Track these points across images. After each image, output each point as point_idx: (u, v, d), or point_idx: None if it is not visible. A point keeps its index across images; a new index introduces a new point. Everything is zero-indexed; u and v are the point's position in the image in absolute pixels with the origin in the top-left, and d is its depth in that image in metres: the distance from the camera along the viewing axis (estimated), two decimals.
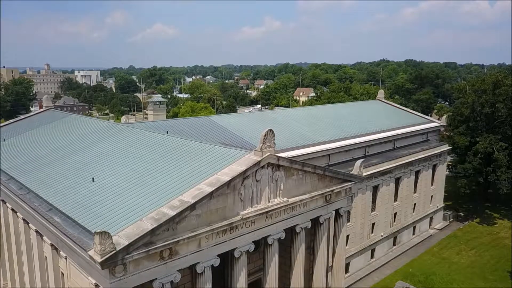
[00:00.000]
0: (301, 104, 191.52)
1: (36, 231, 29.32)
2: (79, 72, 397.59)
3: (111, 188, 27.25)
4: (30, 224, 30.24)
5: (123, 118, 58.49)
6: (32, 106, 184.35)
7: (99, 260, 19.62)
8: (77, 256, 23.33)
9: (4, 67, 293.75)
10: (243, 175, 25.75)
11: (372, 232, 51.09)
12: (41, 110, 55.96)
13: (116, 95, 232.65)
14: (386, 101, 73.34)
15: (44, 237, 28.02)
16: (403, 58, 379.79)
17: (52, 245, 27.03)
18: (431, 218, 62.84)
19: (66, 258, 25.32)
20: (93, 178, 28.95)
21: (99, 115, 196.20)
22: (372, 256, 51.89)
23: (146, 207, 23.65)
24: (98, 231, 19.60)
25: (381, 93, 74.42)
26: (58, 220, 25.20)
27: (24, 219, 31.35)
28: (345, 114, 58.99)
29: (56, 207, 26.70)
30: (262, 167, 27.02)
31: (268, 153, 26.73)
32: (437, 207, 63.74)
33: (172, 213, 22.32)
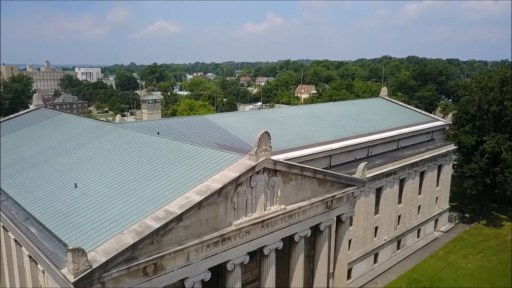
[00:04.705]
0: (302, 101, 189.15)
1: (15, 241, 27.30)
2: (79, 69, 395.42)
3: (94, 195, 25.21)
4: (9, 233, 28.23)
5: (117, 118, 56.29)
6: (31, 104, 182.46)
7: (72, 280, 17.58)
8: (53, 271, 21.27)
9: (3, 64, 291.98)
10: (236, 182, 23.63)
11: (375, 236, 48.98)
12: (31, 109, 53.90)
13: (116, 92, 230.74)
14: (389, 99, 71.05)
15: (23, 248, 26.00)
16: (405, 55, 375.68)
17: (30, 256, 24.99)
18: (436, 220, 60.70)
19: (43, 272, 23.27)
20: (75, 184, 26.92)
21: (98, 112, 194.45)
22: (375, 261, 49.79)
23: (129, 218, 21.59)
24: (71, 248, 17.53)
25: (384, 91, 72.08)
26: (34, 232, 23.15)
27: (4, 227, 29.35)
28: (347, 113, 56.75)
29: (34, 216, 24.67)
30: (257, 172, 24.90)
31: (264, 158, 24.61)
32: (443, 208, 61.59)
33: (156, 225, 20.23)
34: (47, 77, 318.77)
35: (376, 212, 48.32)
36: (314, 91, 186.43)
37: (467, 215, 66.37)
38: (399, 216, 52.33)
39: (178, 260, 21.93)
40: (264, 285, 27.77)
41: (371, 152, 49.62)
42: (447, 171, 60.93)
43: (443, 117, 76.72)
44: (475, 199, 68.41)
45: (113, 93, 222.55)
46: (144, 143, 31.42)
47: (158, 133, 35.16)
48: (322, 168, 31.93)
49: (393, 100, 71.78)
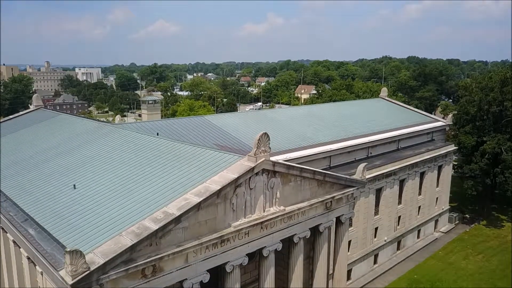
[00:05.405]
0: (302, 101, 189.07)
1: (14, 242, 27.24)
2: (80, 69, 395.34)
3: (92, 196, 25.14)
4: (8, 234, 28.17)
5: (117, 118, 56.35)
6: (31, 104, 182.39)
7: (70, 282, 17.53)
8: (52, 273, 21.22)
9: (4, 64, 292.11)
10: (235, 183, 23.57)
11: (375, 237, 48.88)
12: (31, 109, 53.88)
13: (116, 92, 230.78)
14: (390, 99, 70.95)
15: (22, 249, 25.94)
16: (405, 55, 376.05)
17: (28, 258, 24.94)
18: (436, 221, 60.59)
19: (42, 274, 23.20)
20: (74, 185, 26.85)
21: (98, 112, 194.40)
22: (375, 262, 49.69)
23: (128, 219, 21.52)
24: (69, 250, 17.47)
25: (384, 91, 71.97)
26: (32, 233, 23.09)
27: (2, 228, 29.30)
28: (347, 113, 56.67)
29: (32, 217, 24.61)
30: (257, 173, 24.84)
31: (263, 159, 24.54)
32: (443, 209, 61.49)
33: (155, 227, 20.16)
34: (47, 77, 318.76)
35: (376, 212, 48.21)
36: (314, 92, 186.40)
37: (467, 215, 66.25)
38: (399, 217, 52.24)
39: (177, 261, 21.87)
40: (264, 286, 27.71)
41: (371, 153, 49.54)
42: (447, 171, 60.82)
43: (443, 118, 76.59)
44: (475, 199, 68.19)
45: (113, 94, 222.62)
46: (143, 144, 31.37)
47: (158, 134, 35.10)
48: (322, 169, 31.87)
49: (393, 101, 71.71)
